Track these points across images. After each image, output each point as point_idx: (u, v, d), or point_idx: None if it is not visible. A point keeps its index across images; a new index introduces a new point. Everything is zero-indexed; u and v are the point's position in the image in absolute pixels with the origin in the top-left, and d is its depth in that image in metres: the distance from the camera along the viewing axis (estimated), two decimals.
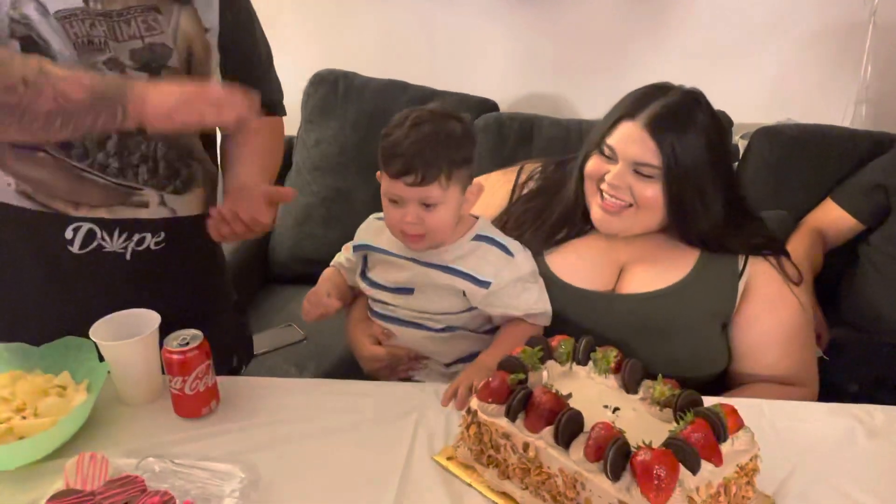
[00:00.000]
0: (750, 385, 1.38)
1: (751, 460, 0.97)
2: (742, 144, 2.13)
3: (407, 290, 1.33)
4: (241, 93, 1.15)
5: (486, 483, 1.05)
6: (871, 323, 1.79)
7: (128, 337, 1.18)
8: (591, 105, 2.29)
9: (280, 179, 2.28)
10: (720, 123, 1.39)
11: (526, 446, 0.99)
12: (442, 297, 1.31)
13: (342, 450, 1.12)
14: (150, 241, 1.34)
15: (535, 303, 1.32)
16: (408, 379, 1.39)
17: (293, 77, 1.75)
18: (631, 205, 1.34)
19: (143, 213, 1.32)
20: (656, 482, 0.87)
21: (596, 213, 1.38)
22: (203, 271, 1.51)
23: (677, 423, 0.97)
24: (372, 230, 1.37)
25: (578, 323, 1.34)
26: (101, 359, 1.19)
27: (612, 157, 1.35)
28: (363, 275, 1.39)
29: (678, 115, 1.32)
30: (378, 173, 1.27)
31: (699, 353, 1.37)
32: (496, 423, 1.02)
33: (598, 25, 2.27)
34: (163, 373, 1.20)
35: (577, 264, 1.40)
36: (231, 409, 1.21)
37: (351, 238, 1.47)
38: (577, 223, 1.43)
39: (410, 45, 2.34)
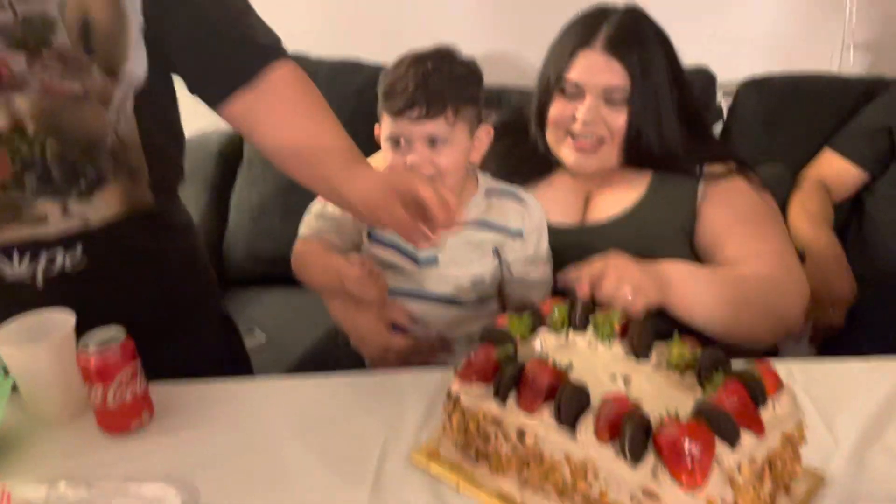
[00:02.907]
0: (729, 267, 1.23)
1: (796, 427, 0.79)
2: (726, 103, 1.98)
3: (431, 261, 1.20)
4: None
5: (477, 483, 0.86)
6: (887, 277, 1.63)
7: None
8: None
9: (231, 174, 2.10)
10: (666, 34, 1.32)
11: (521, 433, 0.80)
12: (472, 259, 1.21)
13: (300, 459, 0.93)
14: (62, 260, 1.07)
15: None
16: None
17: None
18: (603, 139, 1.27)
19: (44, 230, 1.06)
20: (689, 461, 0.69)
21: (569, 156, 1.30)
22: (152, 283, 1.18)
23: (703, 388, 0.80)
24: None
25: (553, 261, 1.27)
26: (8, 372, 1.00)
27: (577, 94, 1.27)
28: (371, 236, 1.25)
29: (632, 30, 1.27)
30: (377, 126, 1.20)
31: None
32: (483, 407, 0.83)
33: None
34: None
35: (551, 198, 1.31)
36: (168, 420, 1.02)
37: None
38: (548, 165, 1.35)
39: (360, 16, 2.16)
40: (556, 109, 1.29)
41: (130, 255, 1.13)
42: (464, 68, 1.17)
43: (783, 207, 1.62)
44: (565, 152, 1.30)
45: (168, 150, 1.20)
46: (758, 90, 1.88)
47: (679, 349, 0.85)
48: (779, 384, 0.80)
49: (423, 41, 2.12)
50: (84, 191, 1.07)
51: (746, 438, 0.73)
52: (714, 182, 1.29)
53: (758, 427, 0.75)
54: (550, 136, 1.32)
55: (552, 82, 1.29)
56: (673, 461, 0.70)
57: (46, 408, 1.02)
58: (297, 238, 1.31)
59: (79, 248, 1.08)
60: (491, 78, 2.05)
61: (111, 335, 0.97)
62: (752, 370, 0.78)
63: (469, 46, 2.15)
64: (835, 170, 1.74)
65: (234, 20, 1.10)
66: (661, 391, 0.84)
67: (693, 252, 1.28)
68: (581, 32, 1.28)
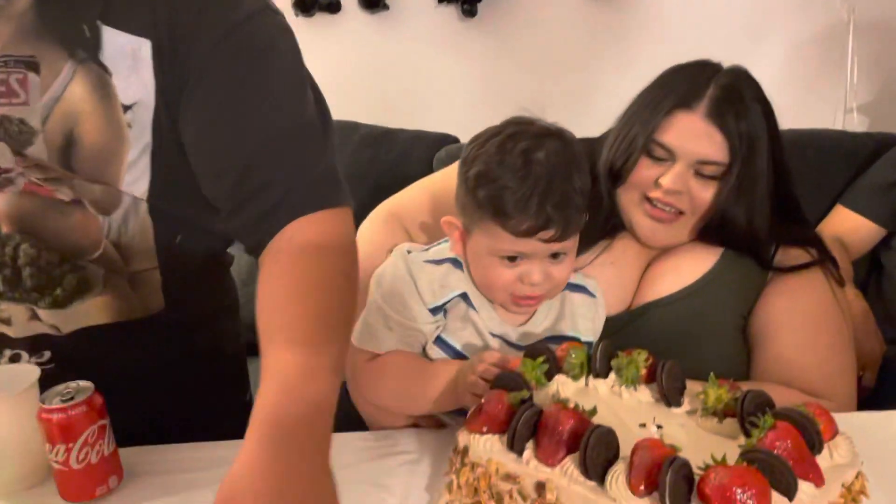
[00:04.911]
0: (761, 382, 1.08)
1: (857, 478, 0.69)
2: None
3: None
4: None
5: None
6: None
7: None
8: None
9: None
10: (770, 105, 1.16)
11: (541, 488, 0.70)
12: None
13: None
14: (27, 360, 0.97)
15: None
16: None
17: None
18: (682, 212, 1.12)
19: (6, 330, 0.96)
20: None
21: (642, 223, 1.14)
22: (150, 385, 0.99)
23: (747, 436, 0.70)
24: (447, 279, 1.01)
25: None
26: None
27: (666, 158, 1.12)
28: (439, 339, 1.01)
29: (741, 98, 1.10)
30: (449, 224, 1.00)
31: (725, 365, 1.08)
32: (495, 460, 0.73)
33: (560, 48, 2.10)
34: None
35: (608, 279, 1.14)
36: (138, 486, 0.90)
37: None
38: (613, 229, 1.18)
39: (358, 81, 2.14)
40: (639, 171, 1.13)
41: (117, 363, 0.95)
42: (577, 152, 0.97)
43: None
44: (638, 218, 1.15)
45: (200, 245, 1.04)
46: None
47: (717, 392, 0.75)
48: (835, 429, 0.71)
49: (422, 105, 2.12)
50: (60, 300, 0.95)
51: (804, 488, 0.64)
52: (786, 270, 1.14)
53: (816, 476, 0.65)
54: (625, 197, 1.16)
55: (639, 141, 1.12)
56: None
57: (2, 474, 0.90)
58: (362, 353, 1.03)
59: (46, 355, 0.97)
60: None
61: (77, 388, 0.87)
62: (806, 412, 0.68)
63: (464, 110, 2.16)
64: (850, 226, 1.68)
65: (266, 154, 0.87)
66: (698, 438, 0.74)
67: (744, 336, 1.14)
68: (682, 90, 1.11)
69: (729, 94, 1.09)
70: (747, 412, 0.72)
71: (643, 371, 0.82)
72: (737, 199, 1.10)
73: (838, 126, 2.04)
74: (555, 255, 0.95)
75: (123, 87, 0.88)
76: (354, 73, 2.14)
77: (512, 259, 0.95)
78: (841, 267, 1.55)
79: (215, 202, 0.92)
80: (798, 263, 1.13)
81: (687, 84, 1.12)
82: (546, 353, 0.84)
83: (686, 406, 0.79)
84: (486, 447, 0.74)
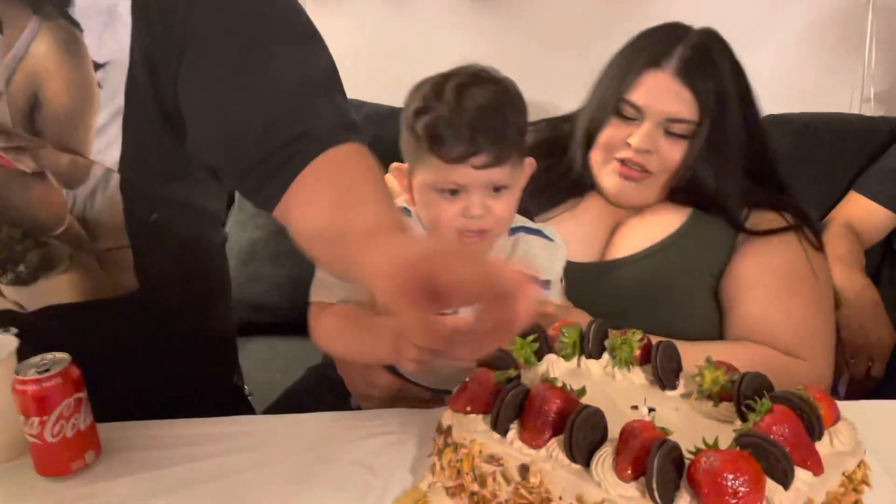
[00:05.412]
0: (734, 341, 1.08)
1: (858, 467, 0.66)
2: None
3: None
4: None
5: None
6: None
7: None
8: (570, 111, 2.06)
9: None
10: (742, 67, 1.17)
11: (524, 470, 0.66)
12: None
13: None
14: None
15: None
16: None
17: None
18: (651, 172, 1.13)
19: None
20: (733, 500, 0.55)
21: (611, 181, 1.16)
22: (122, 369, 0.95)
23: (743, 420, 0.67)
24: None
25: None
26: None
27: (635, 118, 1.13)
28: None
29: (710, 57, 1.12)
30: (396, 171, 1.02)
31: (696, 323, 1.10)
32: (479, 441, 0.70)
33: (570, 27, 2.05)
34: None
35: (573, 232, 1.14)
36: (116, 462, 0.88)
37: (302, 277, 1.07)
38: (582, 189, 1.21)
39: (363, 59, 2.10)
40: (609, 132, 1.15)
41: (92, 342, 0.89)
42: (514, 96, 0.99)
43: None
44: (607, 177, 1.16)
45: (180, 223, 1.01)
46: (778, 127, 1.77)
47: (713, 374, 0.71)
48: (837, 415, 0.67)
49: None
50: (23, 277, 0.93)
51: (801, 476, 0.60)
52: (758, 233, 1.14)
53: (814, 464, 0.61)
54: (596, 157, 1.18)
55: (609, 102, 1.15)
56: (713, 500, 0.56)
57: None
58: (316, 306, 1.02)
59: (13, 331, 0.93)
60: None
61: (53, 359, 0.84)
62: (806, 396, 0.65)
63: None
64: (863, 213, 1.63)
65: (283, 112, 0.85)
66: (692, 422, 0.70)
67: (715, 298, 1.13)
68: (652, 50, 1.14)
69: (698, 53, 1.12)
70: (744, 395, 0.68)
71: (637, 352, 0.78)
72: (706, 158, 1.11)
73: (855, 110, 1.98)
74: (496, 190, 0.97)
75: (96, 45, 0.84)
76: (360, 51, 2.10)
77: (453, 192, 0.96)
78: (852, 254, 1.52)
79: (221, 168, 0.90)
80: (771, 227, 1.13)
81: (656, 44, 1.14)
82: (537, 331, 0.81)
83: (681, 389, 0.75)
84: (470, 427, 0.71)
